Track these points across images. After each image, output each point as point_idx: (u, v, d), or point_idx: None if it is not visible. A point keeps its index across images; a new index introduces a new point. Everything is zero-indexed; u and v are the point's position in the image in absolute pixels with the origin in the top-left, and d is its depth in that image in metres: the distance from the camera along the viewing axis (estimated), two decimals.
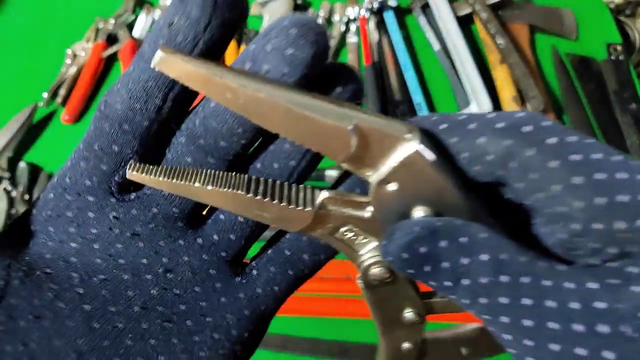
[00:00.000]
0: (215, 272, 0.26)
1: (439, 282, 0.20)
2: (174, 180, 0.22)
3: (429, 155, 0.20)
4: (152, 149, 0.24)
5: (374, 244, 0.24)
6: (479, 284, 0.19)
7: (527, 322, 0.19)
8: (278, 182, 0.24)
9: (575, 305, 0.18)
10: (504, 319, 0.19)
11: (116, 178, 0.24)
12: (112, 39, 0.91)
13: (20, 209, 0.78)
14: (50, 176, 0.81)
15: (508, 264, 0.19)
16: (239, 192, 0.22)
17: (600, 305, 0.18)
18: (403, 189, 0.21)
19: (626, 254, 0.19)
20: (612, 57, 0.80)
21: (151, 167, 0.23)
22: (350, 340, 0.63)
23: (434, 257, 0.20)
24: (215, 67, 0.20)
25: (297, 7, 0.89)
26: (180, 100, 0.23)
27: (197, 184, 0.22)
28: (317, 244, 0.26)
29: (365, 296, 0.27)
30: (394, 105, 0.78)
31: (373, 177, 0.21)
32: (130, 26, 0.92)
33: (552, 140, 0.19)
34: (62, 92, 0.86)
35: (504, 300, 0.19)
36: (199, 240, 0.25)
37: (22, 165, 0.81)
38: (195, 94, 0.23)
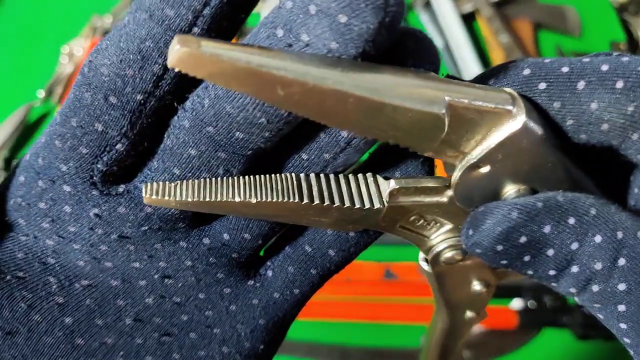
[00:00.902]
0: (224, 276, 0.21)
1: (539, 271, 0.17)
2: (207, 199, 0.18)
3: (539, 130, 0.16)
4: (146, 132, 0.19)
5: (447, 226, 0.21)
6: (592, 270, 0.16)
7: None
8: (332, 176, 0.19)
9: None
10: (621, 308, 0.17)
11: (99, 165, 0.19)
12: None
13: None
14: None
15: (626, 243, 0.16)
16: (292, 201, 0.18)
17: None
18: (497, 169, 0.17)
19: None
20: None
21: (172, 185, 0.18)
22: (350, 344, 0.62)
23: (536, 245, 0.16)
24: (254, 53, 0.14)
25: None
26: None
27: (237, 198, 0.18)
28: (346, 237, 0.21)
29: (430, 278, 0.24)
30: None
31: (460, 160, 0.17)
32: None
33: None
34: (58, 90, 0.85)
35: (622, 286, 0.16)
36: (206, 241, 0.21)
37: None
38: None
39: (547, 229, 0.16)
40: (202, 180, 0.19)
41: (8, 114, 0.82)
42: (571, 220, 0.16)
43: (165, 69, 0.18)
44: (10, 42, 0.94)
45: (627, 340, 0.18)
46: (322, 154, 0.19)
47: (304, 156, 0.19)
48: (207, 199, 0.18)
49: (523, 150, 0.17)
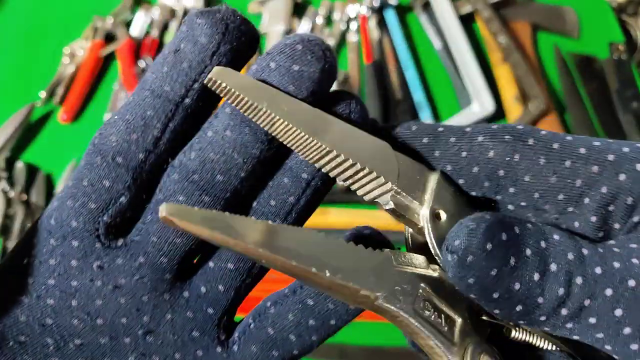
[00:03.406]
0: (199, 335, 0.23)
1: (524, 277, 0.18)
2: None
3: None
4: (144, 185, 0.22)
5: (459, 321, 0.20)
6: (566, 261, 0.18)
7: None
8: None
9: None
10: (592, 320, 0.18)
11: (105, 218, 0.22)
12: (110, 38, 0.90)
13: (18, 209, 0.77)
14: (48, 176, 0.80)
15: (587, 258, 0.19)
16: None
17: None
18: (451, 215, 0.20)
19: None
20: (615, 56, 0.79)
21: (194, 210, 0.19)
22: (348, 343, 0.63)
23: (515, 244, 0.18)
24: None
25: (297, 6, 0.88)
26: (180, 131, 0.22)
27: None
28: (305, 325, 0.23)
29: None
30: (395, 104, 0.77)
31: (422, 209, 0.20)
32: (128, 25, 0.92)
33: (531, 141, 0.20)
34: (60, 91, 0.85)
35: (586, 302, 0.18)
36: (185, 294, 0.23)
37: (19, 165, 0.80)
38: (197, 127, 0.22)
39: (517, 229, 0.19)
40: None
41: (10, 115, 0.82)
42: (529, 225, 0.19)
43: (162, 131, 0.22)
44: (12, 43, 0.94)
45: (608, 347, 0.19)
46: (287, 198, 0.22)
47: (272, 202, 0.22)
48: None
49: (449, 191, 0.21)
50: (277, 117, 0.20)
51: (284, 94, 0.20)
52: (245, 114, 0.20)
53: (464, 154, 0.21)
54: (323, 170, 0.21)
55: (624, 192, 0.19)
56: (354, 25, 0.85)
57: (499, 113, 0.74)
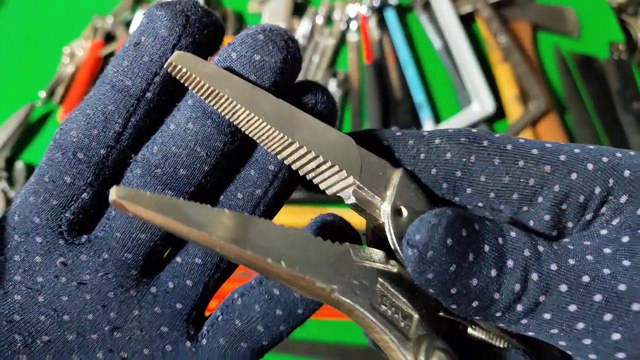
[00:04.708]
0: (167, 330, 0.23)
1: (482, 273, 0.18)
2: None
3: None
4: (107, 181, 0.22)
5: (415, 317, 0.20)
6: (523, 257, 0.19)
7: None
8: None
9: (606, 270, 0.18)
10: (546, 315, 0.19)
11: (67, 214, 0.22)
12: (110, 37, 0.90)
13: None
14: None
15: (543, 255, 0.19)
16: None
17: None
18: (412, 213, 0.20)
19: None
20: (615, 56, 0.79)
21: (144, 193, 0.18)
22: (349, 342, 0.63)
23: (474, 240, 0.18)
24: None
25: (297, 5, 0.88)
26: (142, 126, 0.22)
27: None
28: (272, 315, 0.23)
29: None
30: (395, 104, 0.77)
31: (383, 205, 0.20)
32: (128, 24, 0.92)
33: (486, 142, 0.21)
34: (60, 90, 0.85)
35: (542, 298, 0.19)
36: (153, 290, 0.23)
37: (19, 165, 0.80)
38: (160, 121, 0.22)
39: (476, 226, 0.19)
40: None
41: (10, 114, 0.82)
42: (487, 222, 0.19)
43: (124, 126, 0.21)
44: (12, 43, 0.94)
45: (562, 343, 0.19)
46: (254, 191, 0.22)
47: (239, 195, 0.22)
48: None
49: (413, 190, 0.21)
50: (239, 106, 0.20)
51: (247, 83, 0.20)
52: (207, 101, 0.20)
53: (422, 156, 0.21)
54: (285, 162, 0.21)
55: (575, 190, 0.20)
56: (354, 25, 0.85)
57: (499, 113, 0.74)
